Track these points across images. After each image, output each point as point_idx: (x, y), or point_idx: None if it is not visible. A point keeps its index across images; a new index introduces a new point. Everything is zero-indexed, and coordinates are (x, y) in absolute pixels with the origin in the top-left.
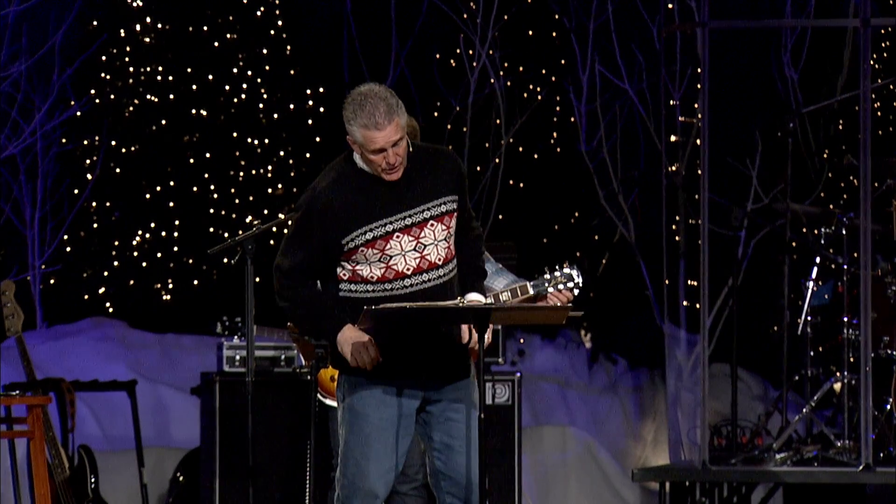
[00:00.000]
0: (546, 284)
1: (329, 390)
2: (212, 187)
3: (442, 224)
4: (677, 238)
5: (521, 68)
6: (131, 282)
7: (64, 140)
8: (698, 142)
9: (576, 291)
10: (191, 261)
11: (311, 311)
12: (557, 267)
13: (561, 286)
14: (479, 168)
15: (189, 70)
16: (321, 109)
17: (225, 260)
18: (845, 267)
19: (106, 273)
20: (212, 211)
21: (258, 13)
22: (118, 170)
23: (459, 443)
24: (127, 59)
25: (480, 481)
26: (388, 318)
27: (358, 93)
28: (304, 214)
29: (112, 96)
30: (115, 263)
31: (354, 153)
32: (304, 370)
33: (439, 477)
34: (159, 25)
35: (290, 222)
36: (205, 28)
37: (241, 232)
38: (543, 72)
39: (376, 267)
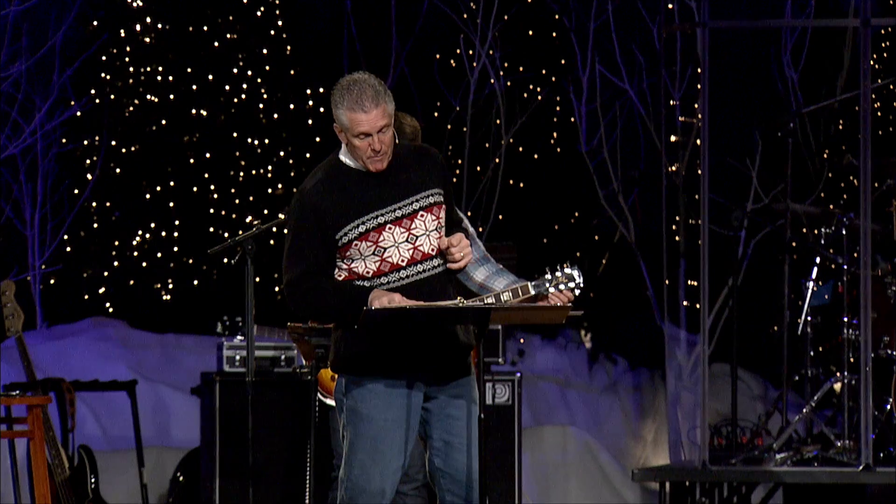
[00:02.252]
0: (547, 284)
1: (329, 390)
2: (212, 187)
3: (431, 214)
4: (677, 238)
5: (521, 68)
6: (131, 282)
7: (64, 140)
8: (698, 142)
9: (577, 291)
10: (191, 261)
11: (336, 295)
12: (558, 267)
13: (562, 286)
14: (478, 168)
15: (189, 70)
16: (321, 109)
17: (225, 260)
18: (845, 267)
19: (106, 273)
20: (212, 211)
21: (258, 13)
22: (118, 170)
23: (459, 440)
24: (127, 59)
25: (481, 481)
26: (386, 319)
27: (346, 79)
28: (297, 219)
29: (112, 96)
30: (115, 263)
31: (341, 153)
32: (304, 370)
33: (438, 475)
34: (159, 25)
35: (285, 231)
36: (205, 28)
37: (241, 232)
38: (543, 72)
39: (371, 261)
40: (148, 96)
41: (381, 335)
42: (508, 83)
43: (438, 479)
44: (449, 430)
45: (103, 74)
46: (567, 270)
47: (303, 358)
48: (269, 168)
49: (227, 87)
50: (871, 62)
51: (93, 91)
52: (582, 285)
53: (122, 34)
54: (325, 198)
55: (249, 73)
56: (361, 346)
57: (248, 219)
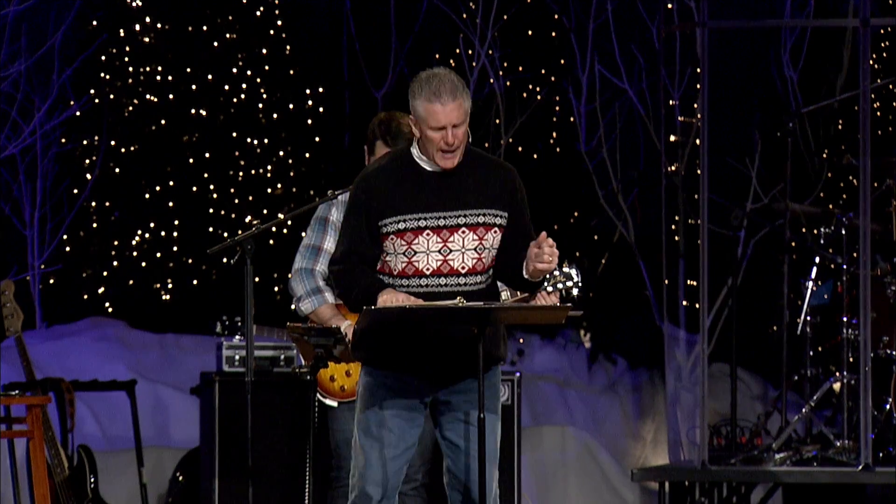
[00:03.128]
0: (545, 284)
1: (329, 390)
2: (212, 187)
3: (475, 234)
4: (677, 238)
5: (520, 68)
6: (131, 282)
7: (64, 140)
8: (698, 142)
9: (575, 291)
10: (191, 261)
11: (361, 286)
12: (557, 266)
13: (560, 285)
14: None
15: (189, 70)
16: (321, 109)
17: (224, 260)
18: (845, 267)
19: (106, 273)
20: (212, 211)
21: (258, 13)
22: (118, 170)
23: (471, 444)
24: (127, 59)
25: (481, 481)
26: (386, 318)
27: (427, 72)
28: (351, 199)
29: (112, 96)
30: (115, 263)
31: (412, 146)
32: (304, 370)
33: (449, 476)
34: (159, 25)
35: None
36: (205, 28)
37: (240, 232)
38: (543, 72)
39: (400, 260)
40: (147, 96)
41: (390, 332)
42: (508, 83)
43: (450, 480)
44: (461, 433)
45: (103, 74)
46: (565, 269)
47: (302, 358)
48: (269, 168)
49: (227, 87)
50: (871, 62)
51: (92, 91)
52: (580, 284)
53: (122, 34)
54: (380, 184)
55: (249, 73)
56: (375, 340)
57: (248, 219)
